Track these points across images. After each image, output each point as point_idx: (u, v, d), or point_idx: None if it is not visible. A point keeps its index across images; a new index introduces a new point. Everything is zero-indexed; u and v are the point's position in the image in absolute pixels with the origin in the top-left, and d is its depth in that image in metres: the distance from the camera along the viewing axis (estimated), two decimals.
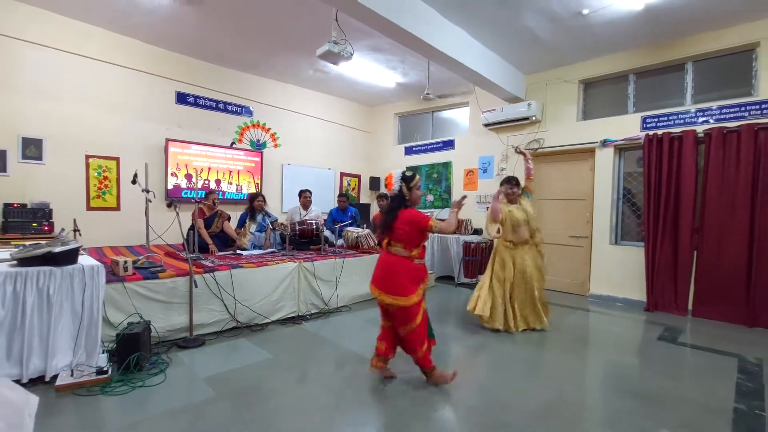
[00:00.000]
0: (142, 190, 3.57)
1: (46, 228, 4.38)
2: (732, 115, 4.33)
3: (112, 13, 4.57)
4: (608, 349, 3.60)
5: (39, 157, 4.60)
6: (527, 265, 3.80)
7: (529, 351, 3.39)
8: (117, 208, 5.21)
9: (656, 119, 4.86)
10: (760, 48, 4.23)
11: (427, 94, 5.63)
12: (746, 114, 4.23)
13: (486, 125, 6.42)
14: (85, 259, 2.84)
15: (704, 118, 4.51)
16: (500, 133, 6.41)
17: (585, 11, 4.15)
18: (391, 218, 2.53)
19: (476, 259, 5.84)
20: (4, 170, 4.38)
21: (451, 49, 4.55)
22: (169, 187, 5.55)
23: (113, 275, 3.11)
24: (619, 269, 5.15)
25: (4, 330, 2.39)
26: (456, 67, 4.89)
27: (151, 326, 2.99)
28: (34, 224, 4.33)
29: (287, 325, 3.86)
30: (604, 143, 5.30)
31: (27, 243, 3.29)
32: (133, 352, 2.66)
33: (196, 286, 3.21)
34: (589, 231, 5.51)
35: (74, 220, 4.42)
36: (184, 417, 2.22)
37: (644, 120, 4.96)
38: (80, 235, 4.43)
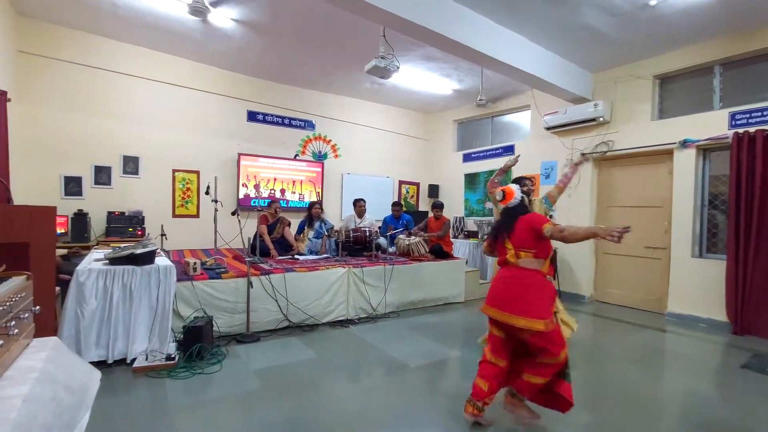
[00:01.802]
0: (212, 201, 4.01)
1: (139, 233, 5.10)
2: None
3: (193, 44, 5.22)
4: (678, 374, 3.20)
5: (136, 172, 5.39)
6: None
7: (579, 370, 3.14)
8: (197, 216, 5.88)
9: (748, 115, 4.24)
10: None
11: (481, 100, 5.54)
12: None
13: (548, 128, 6.11)
14: (161, 260, 3.28)
15: None
16: (563, 137, 6.05)
17: (652, 2, 3.80)
18: (510, 223, 2.29)
19: None
20: (109, 183, 5.21)
21: (507, 55, 4.46)
22: (240, 196, 6.13)
23: (185, 274, 3.54)
24: (702, 285, 4.54)
25: (96, 318, 2.85)
26: (512, 72, 4.78)
27: (213, 321, 3.34)
28: (130, 229, 5.06)
29: (336, 328, 4.03)
30: (685, 144, 4.74)
31: (122, 245, 3.88)
32: (197, 343, 3.00)
33: (252, 287, 3.52)
34: (668, 241, 4.95)
35: (161, 226, 5.09)
36: (231, 403, 2.46)
37: (733, 116, 4.36)
38: (166, 239, 5.08)
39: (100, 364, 2.84)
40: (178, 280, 3.32)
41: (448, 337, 3.87)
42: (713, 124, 4.53)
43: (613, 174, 5.70)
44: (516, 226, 2.26)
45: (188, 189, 5.79)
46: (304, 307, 3.94)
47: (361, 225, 5.53)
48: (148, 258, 3.07)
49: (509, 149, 6.99)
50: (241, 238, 3.77)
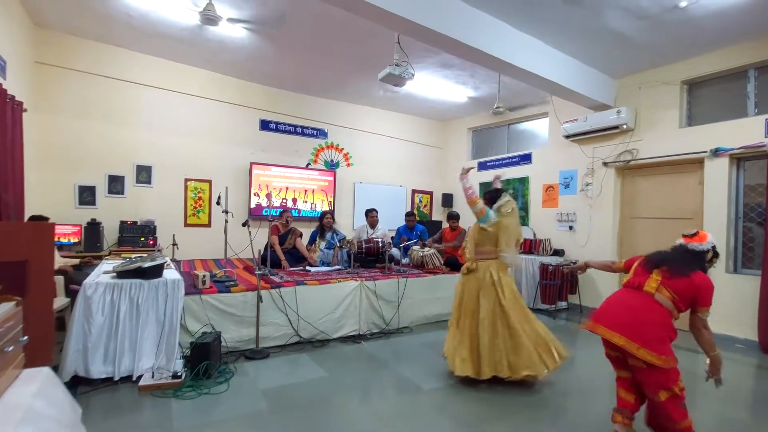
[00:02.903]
0: (222, 211, 3.93)
1: (151, 242, 5.06)
2: None
3: (206, 53, 5.21)
4: (717, 401, 2.95)
5: (149, 182, 5.38)
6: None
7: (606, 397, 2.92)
8: (208, 225, 5.83)
9: None
10: None
11: (498, 108, 5.37)
12: None
13: (567, 137, 5.90)
14: (170, 273, 3.19)
15: None
16: (584, 145, 5.83)
17: (683, 3, 3.60)
18: (686, 270, 2.07)
19: (555, 283, 5.31)
20: (122, 193, 5.20)
21: (525, 61, 4.31)
22: (252, 206, 6.07)
23: (194, 287, 3.45)
24: (739, 303, 4.25)
25: (103, 334, 2.77)
26: (531, 78, 4.62)
27: (222, 337, 3.23)
28: (142, 239, 5.03)
29: (347, 344, 3.88)
30: (716, 152, 4.49)
31: (132, 256, 3.83)
32: (204, 360, 2.89)
33: (261, 301, 3.41)
34: None
35: (173, 236, 5.05)
36: (237, 426, 2.33)
37: None
38: (178, 248, 5.04)
39: (106, 381, 2.76)
40: (187, 293, 3.23)
41: None
42: (748, 131, 4.27)
43: (637, 184, 5.46)
44: (683, 279, 2.04)
45: (200, 198, 5.75)
46: (315, 322, 3.80)
47: (373, 236, 5.40)
48: (155, 272, 2.98)
49: (526, 157, 6.80)
50: (251, 250, 3.67)
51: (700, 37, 4.22)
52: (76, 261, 4.31)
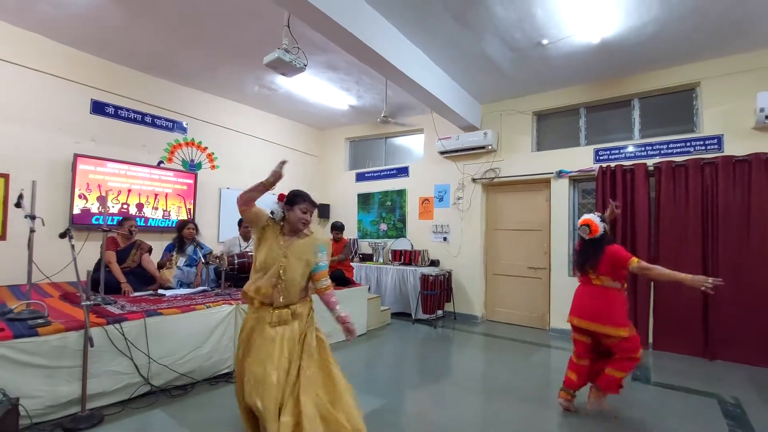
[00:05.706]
0: (26, 216, 2.76)
1: None
2: (678, 150, 4.49)
3: (12, 0, 3.76)
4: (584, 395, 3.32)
5: None
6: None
7: (482, 400, 2.99)
8: (2, 238, 4.16)
9: (608, 152, 4.95)
10: (700, 87, 4.47)
11: (385, 117, 5.32)
12: (692, 149, 4.40)
13: (442, 153, 6.25)
14: None
15: (653, 152, 4.64)
16: (457, 162, 6.27)
17: (545, 41, 4.12)
18: (599, 253, 2.64)
19: (435, 293, 5.46)
20: None
21: (411, 71, 4.32)
22: (76, 211, 4.59)
23: None
24: None
25: None
26: (415, 89, 4.67)
27: (21, 405, 2.17)
28: None
29: (218, 386, 3.13)
30: (560, 174, 5.30)
31: None
32: None
33: (92, 346, 2.43)
34: (547, 262, 5.42)
35: None
36: None
37: (597, 152, 5.04)
38: None
39: None
40: None
41: (359, 383, 3.27)
42: (581, 158, 5.16)
43: (499, 199, 6.08)
44: (602, 259, 2.60)
45: None
46: (175, 363, 2.95)
47: (248, 249, 4.67)
48: None
49: (404, 170, 6.97)
50: (75, 270, 2.63)
51: (551, 75, 4.94)
52: None
